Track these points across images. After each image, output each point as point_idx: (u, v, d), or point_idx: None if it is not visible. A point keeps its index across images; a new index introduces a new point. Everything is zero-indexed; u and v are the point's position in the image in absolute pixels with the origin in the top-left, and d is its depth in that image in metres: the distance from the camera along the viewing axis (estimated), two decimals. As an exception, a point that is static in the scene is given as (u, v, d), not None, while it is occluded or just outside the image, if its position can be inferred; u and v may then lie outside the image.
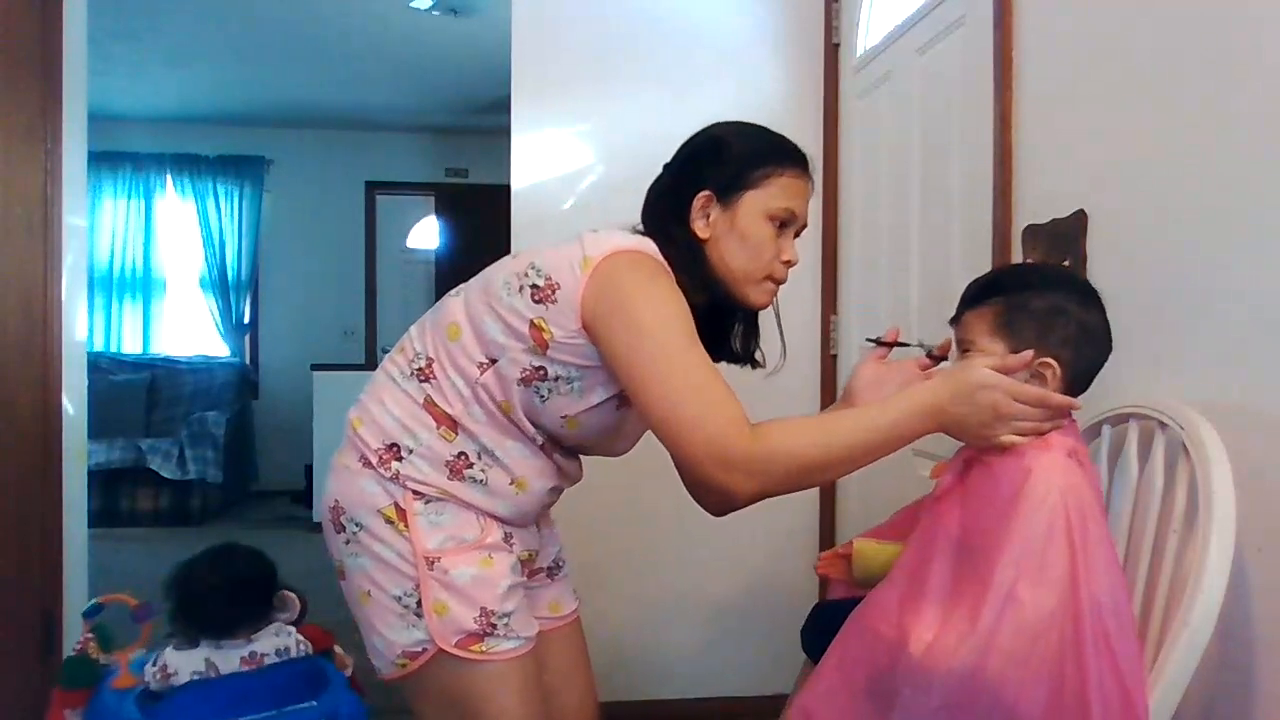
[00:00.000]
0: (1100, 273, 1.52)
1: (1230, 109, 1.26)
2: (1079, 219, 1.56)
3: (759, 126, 1.37)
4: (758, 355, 1.44)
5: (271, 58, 5.24)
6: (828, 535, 2.70)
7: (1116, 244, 1.49)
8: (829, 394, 2.67)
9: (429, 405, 1.29)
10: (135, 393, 6.03)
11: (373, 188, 6.81)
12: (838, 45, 2.68)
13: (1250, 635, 1.20)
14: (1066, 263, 1.58)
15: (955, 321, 1.34)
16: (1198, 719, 1.24)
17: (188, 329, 6.66)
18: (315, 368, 5.56)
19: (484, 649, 1.26)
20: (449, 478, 1.29)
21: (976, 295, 1.32)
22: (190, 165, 6.53)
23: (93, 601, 1.87)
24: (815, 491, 2.70)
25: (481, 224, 5.77)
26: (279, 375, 6.58)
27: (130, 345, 6.55)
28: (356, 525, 1.29)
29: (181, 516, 5.53)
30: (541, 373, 1.26)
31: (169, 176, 6.56)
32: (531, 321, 1.25)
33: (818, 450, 1.16)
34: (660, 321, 1.18)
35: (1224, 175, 1.27)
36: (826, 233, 2.69)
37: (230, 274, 6.58)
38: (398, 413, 1.30)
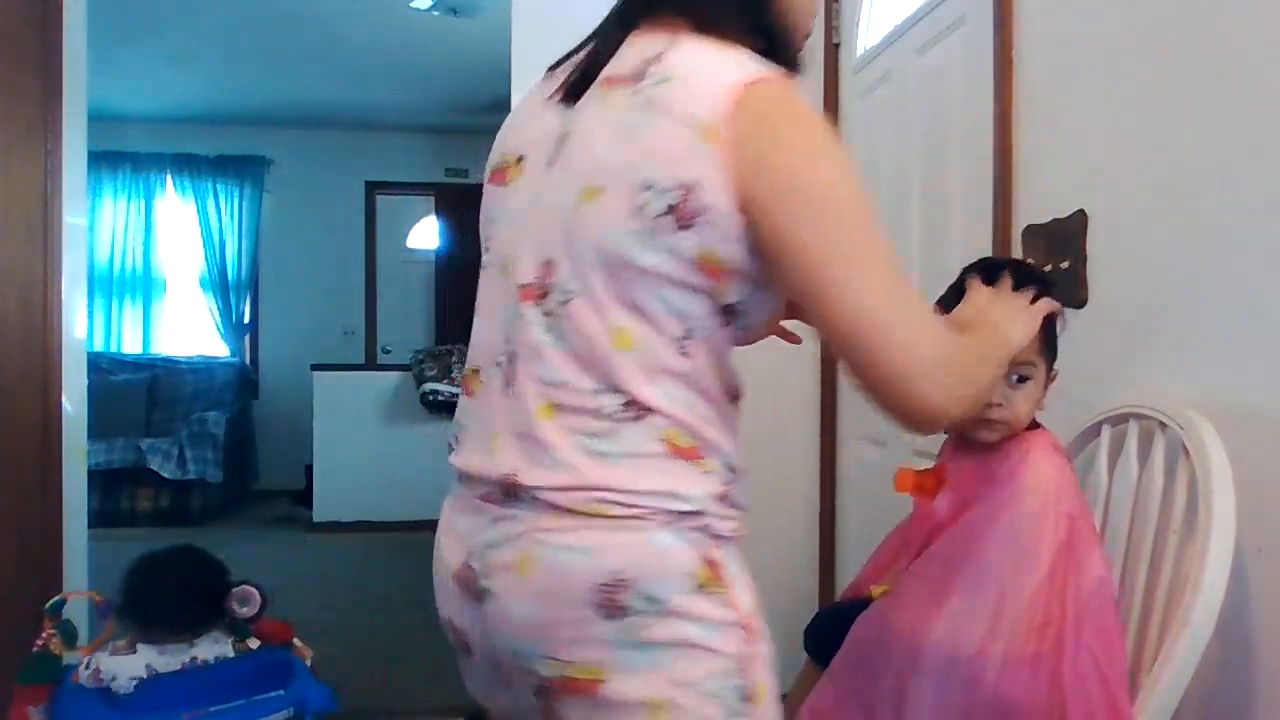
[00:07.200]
0: (1100, 273, 1.52)
1: (1229, 109, 1.26)
2: (1079, 219, 1.56)
3: None
4: None
5: (271, 58, 5.25)
6: (828, 534, 2.70)
7: (1116, 244, 1.49)
8: (828, 394, 2.67)
9: (675, 449, 0.90)
10: (135, 393, 6.04)
11: (373, 188, 6.81)
12: (838, 45, 2.68)
13: (1250, 635, 1.20)
14: (1066, 264, 1.58)
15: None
16: (1197, 719, 1.24)
17: (188, 329, 6.67)
18: (315, 368, 5.56)
19: None
20: (724, 505, 0.92)
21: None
22: (190, 165, 6.54)
23: (56, 598, 1.86)
24: (815, 492, 2.71)
25: (481, 224, 5.77)
26: (279, 375, 6.58)
27: (130, 345, 6.55)
28: (655, 604, 0.86)
29: (181, 516, 5.53)
30: (731, 311, 0.92)
31: (169, 176, 6.57)
32: (696, 259, 0.87)
33: (991, 372, 1.03)
34: (849, 193, 0.88)
35: (1224, 175, 1.27)
36: (826, 233, 2.68)
37: (230, 274, 6.58)
38: (646, 485, 0.89)
